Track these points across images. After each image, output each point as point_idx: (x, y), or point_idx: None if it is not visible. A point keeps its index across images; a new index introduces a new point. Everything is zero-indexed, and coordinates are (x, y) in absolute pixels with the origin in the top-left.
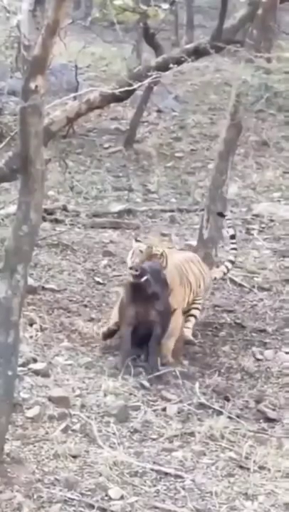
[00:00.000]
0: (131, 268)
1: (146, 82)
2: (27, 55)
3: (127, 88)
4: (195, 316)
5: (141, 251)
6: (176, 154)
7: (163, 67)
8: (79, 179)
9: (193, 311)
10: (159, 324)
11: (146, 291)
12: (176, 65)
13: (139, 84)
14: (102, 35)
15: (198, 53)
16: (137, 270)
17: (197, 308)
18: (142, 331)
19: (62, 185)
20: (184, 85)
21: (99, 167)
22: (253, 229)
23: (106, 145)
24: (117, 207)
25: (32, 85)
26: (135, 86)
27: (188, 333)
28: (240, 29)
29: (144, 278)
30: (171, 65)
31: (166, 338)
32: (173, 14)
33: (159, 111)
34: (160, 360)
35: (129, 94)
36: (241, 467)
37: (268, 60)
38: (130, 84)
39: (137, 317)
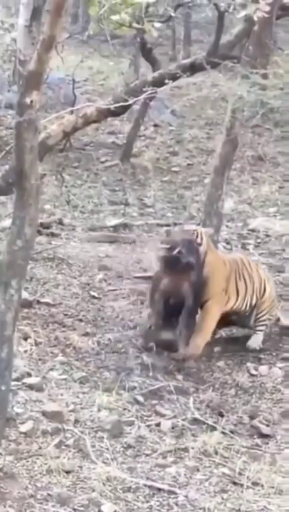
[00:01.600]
0: (162, 242)
1: (141, 97)
2: (22, 70)
3: (122, 104)
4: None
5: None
6: (173, 169)
7: (159, 82)
8: (75, 193)
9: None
10: (191, 296)
11: (179, 263)
12: (171, 81)
13: (135, 99)
14: (100, 50)
15: (194, 69)
16: (168, 243)
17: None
18: (173, 304)
19: (58, 199)
20: (180, 100)
21: (95, 181)
22: (249, 244)
23: (103, 159)
24: (113, 221)
25: (27, 100)
26: (131, 101)
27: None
28: (237, 45)
29: (176, 250)
30: (166, 81)
31: (195, 333)
32: (170, 29)
33: (156, 125)
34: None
35: (125, 108)
36: (235, 483)
37: (264, 76)
38: (126, 100)
39: (169, 289)
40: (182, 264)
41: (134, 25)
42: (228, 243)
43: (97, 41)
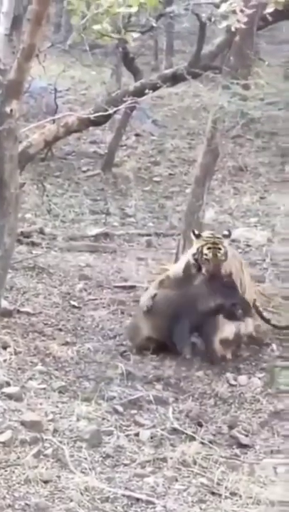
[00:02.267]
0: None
1: (122, 107)
2: (2, 79)
3: (102, 113)
4: None
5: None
6: (154, 178)
7: (140, 92)
8: (56, 202)
9: None
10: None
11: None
12: (152, 91)
13: (115, 109)
14: (82, 59)
15: (175, 79)
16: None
17: None
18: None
19: (39, 208)
20: (162, 110)
21: (77, 190)
22: (220, 239)
23: (84, 168)
24: (94, 230)
25: (7, 109)
26: (111, 111)
27: None
28: (219, 55)
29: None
30: (147, 91)
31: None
32: (153, 39)
33: (137, 135)
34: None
35: (107, 118)
36: (213, 493)
37: (246, 87)
38: (107, 109)
39: None
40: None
41: (114, 35)
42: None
43: (79, 51)
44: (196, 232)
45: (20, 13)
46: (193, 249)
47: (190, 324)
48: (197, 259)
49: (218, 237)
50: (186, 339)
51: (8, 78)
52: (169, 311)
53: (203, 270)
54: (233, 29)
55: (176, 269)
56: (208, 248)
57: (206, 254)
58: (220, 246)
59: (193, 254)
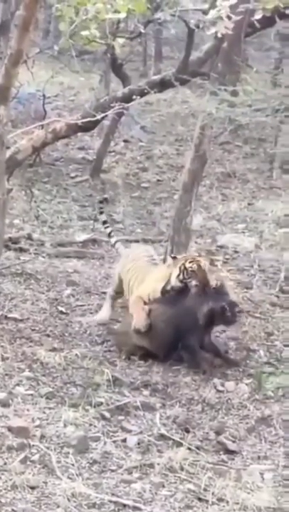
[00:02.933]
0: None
1: (109, 113)
2: None
3: (90, 119)
4: None
5: None
6: (143, 184)
7: (128, 98)
8: (44, 208)
9: None
10: None
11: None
12: (139, 97)
13: (103, 115)
14: (70, 65)
15: (163, 85)
16: None
17: None
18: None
19: (27, 214)
20: (151, 116)
21: (65, 196)
22: (218, 260)
23: (72, 174)
24: (82, 236)
25: None
26: (98, 117)
27: None
28: (207, 62)
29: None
30: (134, 97)
31: None
32: (141, 45)
33: (126, 141)
34: None
35: (95, 124)
36: (200, 499)
37: (234, 94)
38: (94, 115)
39: None
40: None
41: (100, 40)
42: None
43: (68, 56)
44: (172, 255)
45: (7, 19)
46: (176, 272)
47: (197, 338)
48: (184, 277)
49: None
50: (198, 353)
51: None
52: (170, 327)
53: (194, 282)
54: (219, 35)
55: (153, 288)
56: (190, 262)
57: (190, 267)
58: (198, 259)
59: (178, 276)
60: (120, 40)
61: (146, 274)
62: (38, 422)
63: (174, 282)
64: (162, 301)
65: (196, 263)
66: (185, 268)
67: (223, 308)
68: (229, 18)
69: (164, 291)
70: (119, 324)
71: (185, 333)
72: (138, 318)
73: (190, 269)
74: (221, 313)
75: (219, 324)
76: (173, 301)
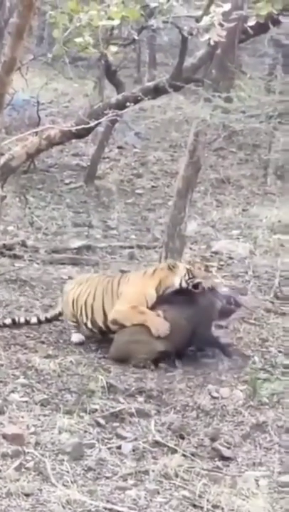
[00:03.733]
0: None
1: (103, 119)
2: None
3: (84, 126)
4: None
5: None
6: (137, 191)
7: (122, 104)
8: (39, 215)
9: None
10: None
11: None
12: (133, 104)
13: (96, 122)
14: (64, 72)
15: (157, 91)
16: None
17: None
18: None
19: (21, 220)
20: (145, 122)
21: (59, 203)
22: (212, 266)
23: (67, 181)
24: (76, 243)
25: None
26: (93, 124)
27: None
28: (201, 68)
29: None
30: (128, 104)
31: None
32: (135, 52)
33: (120, 147)
34: None
35: (89, 131)
36: (195, 506)
37: (228, 100)
38: (88, 122)
39: None
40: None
41: (92, 48)
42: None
43: (62, 63)
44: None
45: (1, 27)
46: (181, 275)
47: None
48: (189, 278)
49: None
50: (223, 344)
51: None
52: (190, 325)
53: (204, 285)
54: (212, 42)
55: (144, 294)
56: (199, 268)
57: (198, 269)
58: (197, 263)
59: (184, 278)
60: (113, 48)
61: (116, 287)
62: (32, 429)
63: (180, 284)
64: (171, 303)
65: (205, 268)
66: (191, 271)
67: (230, 301)
68: (222, 25)
69: (164, 295)
70: (119, 339)
71: (204, 330)
72: (157, 324)
73: (197, 271)
74: (229, 308)
75: (224, 317)
76: (184, 301)
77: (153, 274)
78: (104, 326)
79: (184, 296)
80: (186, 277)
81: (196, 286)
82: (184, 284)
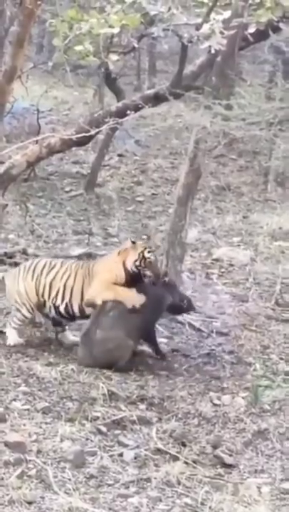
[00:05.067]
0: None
1: (104, 127)
2: None
3: (84, 134)
4: None
5: None
6: (137, 198)
7: (122, 112)
8: (39, 223)
9: None
10: None
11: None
12: (134, 112)
13: (97, 130)
14: (64, 80)
15: (158, 99)
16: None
17: None
18: None
19: (22, 228)
20: (145, 130)
21: (60, 211)
22: (213, 273)
23: (67, 188)
24: (77, 250)
25: None
26: (93, 132)
27: None
28: (201, 75)
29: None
30: (129, 112)
31: None
32: (135, 59)
33: (120, 155)
34: None
35: (89, 138)
36: None
37: (228, 107)
38: (88, 130)
39: None
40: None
41: (93, 57)
42: (191, 273)
43: (62, 71)
44: (132, 239)
45: (1, 36)
46: (134, 256)
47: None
48: (140, 265)
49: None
50: (155, 341)
51: None
52: (137, 320)
53: (149, 273)
54: (213, 51)
55: (116, 274)
56: (149, 252)
57: (148, 258)
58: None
59: (135, 261)
60: (114, 57)
61: (91, 267)
62: (34, 437)
63: (130, 267)
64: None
65: (153, 254)
66: (144, 257)
67: (182, 301)
68: (222, 33)
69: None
70: (98, 348)
71: (151, 322)
72: (130, 297)
73: (149, 259)
74: (179, 306)
75: (173, 313)
76: (144, 290)
77: (119, 254)
78: (78, 309)
79: (136, 283)
80: (137, 262)
81: (144, 275)
82: (131, 267)
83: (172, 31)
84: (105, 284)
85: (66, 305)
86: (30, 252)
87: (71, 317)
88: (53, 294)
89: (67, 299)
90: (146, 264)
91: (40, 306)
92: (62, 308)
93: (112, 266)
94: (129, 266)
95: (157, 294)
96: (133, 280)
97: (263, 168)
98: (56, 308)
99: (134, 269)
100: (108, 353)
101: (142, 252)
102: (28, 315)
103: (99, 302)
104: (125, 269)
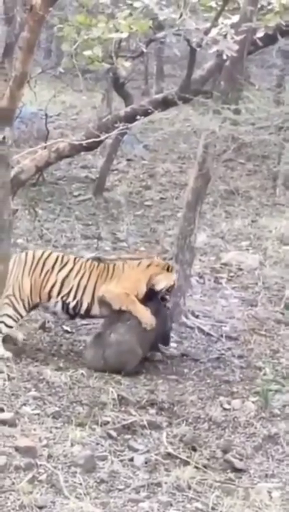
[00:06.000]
0: None
1: (114, 133)
2: None
3: (94, 140)
4: None
5: None
6: (146, 203)
7: (131, 117)
8: (48, 227)
9: None
10: None
11: None
12: (143, 116)
13: (107, 135)
14: (73, 84)
15: (166, 104)
16: None
17: None
18: None
19: (31, 233)
20: (153, 134)
21: (68, 215)
22: (222, 278)
23: (76, 193)
24: (86, 255)
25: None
26: (102, 137)
27: None
28: (209, 80)
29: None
30: (138, 117)
31: None
32: (143, 64)
33: (128, 159)
34: None
35: (98, 143)
36: None
37: (237, 112)
38: (98, 135)
39: None
40: None
41: (106, 61)
42: (200, 277)
43: (70, 76)
44: (169, 265)
45: (11, 41)
46: (168, 282)
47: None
48: (168, 290)
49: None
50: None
51: (1, 106)
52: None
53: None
54: (224, 56)
55: (136, 288)
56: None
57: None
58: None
59: (168, 288)
60: (126, 63)
61: (111, 273)
62: (45, 442)
63: (160, 288)
64: (149, 302)
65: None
66: (174, 285)
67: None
68: (232, 37)
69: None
70: (113, 347)
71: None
72: (146, 316)
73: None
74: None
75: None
76: (152, 305)
77: (147, 268)
78: (86, 308)
79: (153, 301)
80: (168, 287)
81: (164, 298)
82: (162, 291)
83: (180, 35)
84: (127, 294)
85: (76, 303)
86: None
87: (74, 315)
88: (65, 291)
89: (78, 297)
90: (170, 289)
91: (38, 304)
92: (71, 306)
93: (138, 277)
94: (159, 288)
95: (164, 314)
96: (149, 298)
97: (272, 172)
98: (65, 305)
99: (162, 293)
100: (119, 356)
101: (175, 281)
102: (23, 313)
103: (115, 307)
104: (150, 287)
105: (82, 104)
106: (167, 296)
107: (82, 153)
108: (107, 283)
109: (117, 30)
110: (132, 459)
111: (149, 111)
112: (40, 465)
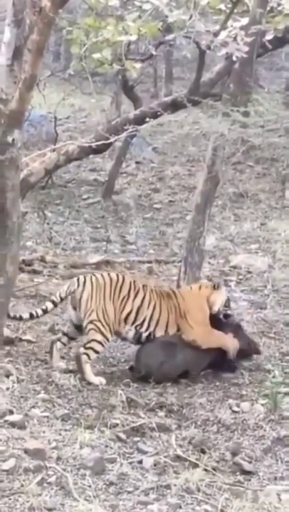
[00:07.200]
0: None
1: (123, 135)
2: (4, 109)
3: (103, 142)
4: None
5: None
6: (155, 205)
7: (140, 120)
8: (57, 230)
9: None
10: None
11: None
12: (152, 119)
13: (116, 137)
14: (82, 87)
15: (175, 106)
16: None
17: None
18: None
19: (40, 236)
20: (162, 137)
21: (77, 218)
22: (231, 280)
23: (85, 196)
24: (95, 258)
25: (9, 139)
26: (112, 140)
27: None
28: (218, 82)
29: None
30: (147, 119)
31: None
32: (152, 67)
33: (137, 162)
34: None
35: (107, 146)
36: None
37: (246, 114)
38: (107, 138)
39: None
40: None
41: (116, 63)
42: (210, 280)
43: (79, 79)
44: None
45: (21, 44)
46: (223, 297)
47: None
48: (225, 306)
49: None
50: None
51: (10, 108)
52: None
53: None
54: (234, 59)
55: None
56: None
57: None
58: None
59: (224, 303)
60: (136, 65)
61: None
62: (54, 444)
63: (218, 307)
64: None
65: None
66: (229, 299)
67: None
68: (239, 39)
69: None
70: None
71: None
72: (232, 345)
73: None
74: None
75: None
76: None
77: (200, 290)
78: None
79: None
80: (224, 303)
81: (227, 315)
82: (221, 310)
83: (189, 38)
84: (210, 330)
85: (149, 334)
86: (48, 259)
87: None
88: (139, 321)
89: (151, 329)
90: (228, 304)
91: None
92: (144, 336)
93: (201, 304)
94: (216, 308)
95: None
96: (211, 320)
97: (281, 175)
98: (138, 333)
99: (222, 312)
100: (157, 365)
101: (227, 295)
102: (110, 338)
103: (204, 347)
104: (210, 308)
105: (91, 107)
106: (229, 312)
107: (91, 156)
108: (179, 320)
109: (126, 33)
110: (141, 462)
111: (158, 113)
112: (50, 467)
